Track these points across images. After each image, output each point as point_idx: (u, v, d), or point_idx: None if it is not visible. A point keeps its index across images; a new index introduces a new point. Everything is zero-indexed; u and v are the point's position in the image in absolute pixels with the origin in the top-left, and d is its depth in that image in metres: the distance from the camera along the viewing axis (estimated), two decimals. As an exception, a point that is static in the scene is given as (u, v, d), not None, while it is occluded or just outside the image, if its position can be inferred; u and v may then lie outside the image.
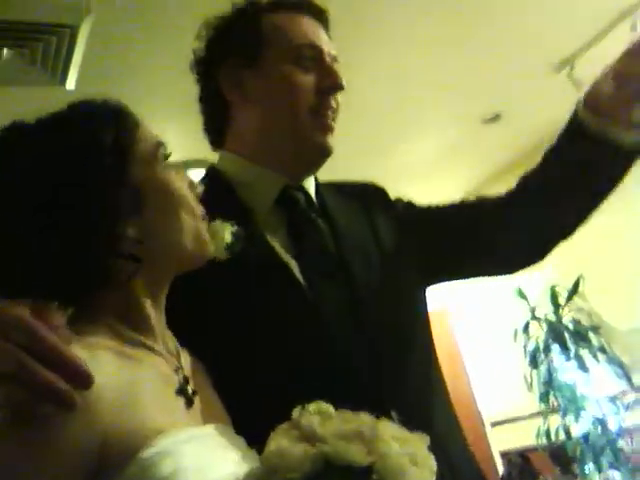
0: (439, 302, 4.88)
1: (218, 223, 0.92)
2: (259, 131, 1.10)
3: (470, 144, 4.19)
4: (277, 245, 1.04)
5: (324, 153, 1.11)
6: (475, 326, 5.30)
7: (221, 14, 1.15)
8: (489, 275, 1.30)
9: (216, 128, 1.17)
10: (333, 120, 1.11)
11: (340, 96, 1.13)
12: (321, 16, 1.16)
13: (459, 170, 4.56)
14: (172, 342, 0.87)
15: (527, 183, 1.21)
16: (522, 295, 4.32)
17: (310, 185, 1.16)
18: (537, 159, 4.27)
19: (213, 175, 1.14)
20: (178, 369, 0.83)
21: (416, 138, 3.98)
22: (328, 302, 1.01)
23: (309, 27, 1.12)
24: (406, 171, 4.20)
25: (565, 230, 1.21)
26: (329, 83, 1.09)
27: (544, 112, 3.88)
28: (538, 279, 4.29)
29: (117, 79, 2.71)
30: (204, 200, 0.90)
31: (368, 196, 1.24)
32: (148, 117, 0.87)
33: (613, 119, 1.08)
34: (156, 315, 0.83)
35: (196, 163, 2.74)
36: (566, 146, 1.15)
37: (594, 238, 4.06)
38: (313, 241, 1.08)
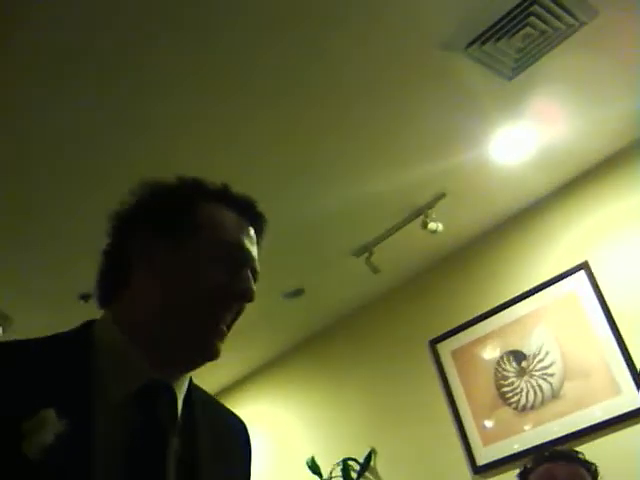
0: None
1: (45, 415, 0.87)
2: (152, 307, 1.03)
3: (269, 317, 4.25)
4: (104, 453, 0.91)
5: (209, 356, 1.05)
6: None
7: (163, 181, 1.12)
8: None
9: (110, 287, 1.09)
10: (228, 328, 1.07)
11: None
12: (259, 224, 1.15)
13: (256, 343, 4.57)
14: None
15: None
16: (315, 467, 4.34)
17: (181, 388, 1.06)
18: (334, 335, 4.51)
19: (83, 339, 1.02)
20: None
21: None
22: None
23: (245, 232, 1.10)
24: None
25: None
26: (242, 290, 1.06)
27: (343, 291, 4.13)
28: (332, 451, 4.36)
29: None
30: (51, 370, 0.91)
31: (239, 440, 1.19)
32: None
33: None
34: None
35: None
36: None
37: (386, 412, 4.25)
38: (152, 463, 0.95)
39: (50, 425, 0.87)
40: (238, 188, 3.25)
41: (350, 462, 4.24)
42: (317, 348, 4.67)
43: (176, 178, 1.12)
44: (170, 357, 1.03)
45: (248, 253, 1.09)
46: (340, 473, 4.23)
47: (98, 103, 2.38)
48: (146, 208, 1.10)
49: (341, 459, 4.26)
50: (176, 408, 1.03)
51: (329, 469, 4.29)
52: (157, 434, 0.97)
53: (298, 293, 4.02)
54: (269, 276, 4.08)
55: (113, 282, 1.09)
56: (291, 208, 3.21)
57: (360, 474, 4.19)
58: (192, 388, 1.10)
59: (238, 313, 1.09)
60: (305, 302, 4.11)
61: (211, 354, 1.04)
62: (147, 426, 0.97)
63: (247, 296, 1.07)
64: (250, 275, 1.08)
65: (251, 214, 1.14)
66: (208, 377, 4.94)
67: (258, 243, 1.14)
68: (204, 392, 1.15)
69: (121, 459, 0.93)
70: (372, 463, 4.22)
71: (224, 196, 1.13)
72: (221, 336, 1.05)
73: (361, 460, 4.21)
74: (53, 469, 0.86)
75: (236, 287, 1.05)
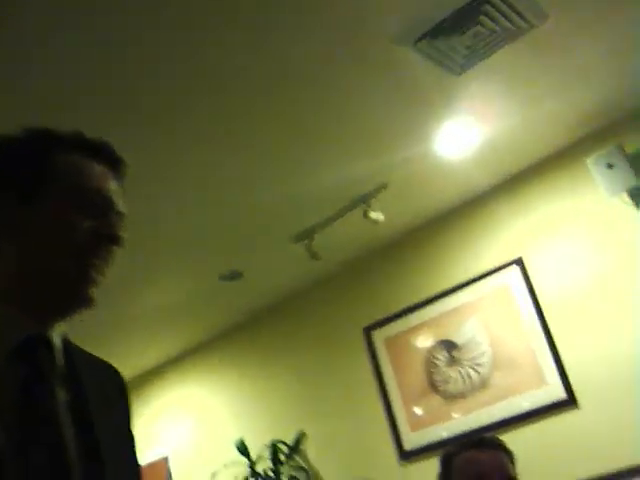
0: (156, 453, 4.73)
1: None
2: (18, 267, 1.01)
3: (205, 299, 4.23)
4: None
5: (84, 304, 1.03)
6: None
7: (8, 136, 1.05)
8: None
9: None
10: (101, 273, 1.04)
11: None
12: (117, 167, 1.11)
13: (190, 324, 4.56)
14: None
15: None
16: (243, 449, 4.35)
17: (57, 339, 1.04)
18: (270, 319, 4.52)
19: None
20: None
21: (147, 288, 3.86)
22: None
23: (102, 175, 1.07)
24: (130, 323, 4.11)
25: None
26: (108, 232, 1.04)
27: (282, 276, 4.13)
28: (261, 433, 4.38)
29: None
30: None
31: (117, 388, 1.18)
32: None
33: None
34: None
35: None
36: None
37: (317, 396, 4.29)
38: (43, 413, 0.95)
39: None
40: (179, 170, 3.20)
41: (279, 445, 4.27)
42: (251, 331, 4.67)
43: (22, 130, 1.06)
44: (45, 311, 1.01)
45: (111, 196, 1.07)
46: (269, 455, 4.25)
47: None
48: None
49: (270, 441, 4.29)
50: (56, 358, 1.02)
51: (258, 451, 4.31)
52: (43, 386, 0.97)
53: (236, 276, 4.00)
54: (207, 258, 4.05)
55: None
56: (235, 192, 3.18)
57: (289, 456, 4.23)
58: (66, 340, 1.08)
59: (108, 258, 1.06)
60: (242, 285, 4.09)
61: (86, 302, 1.04)
62: (32, 379, 0.96)
63: (115, 240, 1.05)
64: (115, 216, 1.07)
65: (108, 158, 1.10)
66: (135, 358, 4.89)
67: (119, 185, 1.11)
68: (76, 345, 1.12)
69: (14, 415, 0.91)
70: (301, 446, 4.27)
71: (78, 143, 1.09)
72: (94, 283, 1.03)
73: (290, 443, 4.26)
74: None
75: (103, 233, 1.04)
